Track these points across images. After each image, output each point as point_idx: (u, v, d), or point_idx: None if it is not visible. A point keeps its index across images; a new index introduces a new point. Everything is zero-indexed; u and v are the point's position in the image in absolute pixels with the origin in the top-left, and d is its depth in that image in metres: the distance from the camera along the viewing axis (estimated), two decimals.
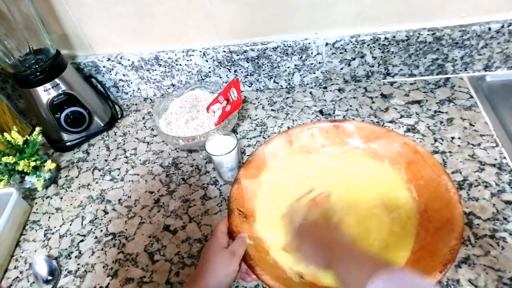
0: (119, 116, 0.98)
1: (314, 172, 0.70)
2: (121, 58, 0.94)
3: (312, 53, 0.87)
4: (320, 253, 0.52)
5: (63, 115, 0.85)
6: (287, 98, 0.93)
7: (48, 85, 0.82)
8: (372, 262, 0.44)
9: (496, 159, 0.70)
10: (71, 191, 0.82)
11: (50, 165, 0.79)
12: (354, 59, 0.88)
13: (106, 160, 0.88)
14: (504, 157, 0.70)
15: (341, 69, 0.91)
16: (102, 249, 0.70)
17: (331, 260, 0.49)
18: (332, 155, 0.72)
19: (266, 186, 0.69)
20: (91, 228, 0.74)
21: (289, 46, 0.86)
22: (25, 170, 0.76)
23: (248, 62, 0.91)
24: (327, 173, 0.69)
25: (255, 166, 0.70)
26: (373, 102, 0.87)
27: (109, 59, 0.94)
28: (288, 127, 0.86)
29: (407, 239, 0.58)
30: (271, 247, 0.61)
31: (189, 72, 0.95)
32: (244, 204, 0.65)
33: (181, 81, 0.98)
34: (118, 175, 0.84)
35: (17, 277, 0.69)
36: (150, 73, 0.97)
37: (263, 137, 0.85)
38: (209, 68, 0.94)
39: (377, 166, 0.69)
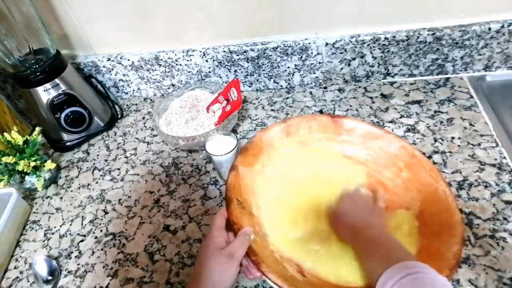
0: (119, 116, 0.98)
1: (309, 165, 0.69)
2: (121, 58, 0.94)
3: (312, 53, 0.87)
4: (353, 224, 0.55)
5: (63, 115, 0.85)
6: (287, 98, 0.93)
7: (48, 85, 0.82)
8: (396, 255, 0.46)
9: (496, 159, 0.70)
10: (71, 191, 0.82)
11: (50, 165, 0.79)
12: (354, 59, 0.88)
13: (106, 160, 0.88)
14: (504, 157, 0.70)
15: (341, 69, 0.91)
16: (102, 249, 0.70)
17: (359, 236, 0.52)
18: (327, 150, 0.71)
19: (263, 175, 0.67)
20: (91, 228, 0.74)
21: (289, 46, 0.86)
22: (25, 170, 0.76)
23: (248, 62, 0.91)
24: (321, 168, 0.69)
25: (252, 154, 0.67)
26: (373, 102, 0.87)
27: (109, 59, 0.94)
28: None
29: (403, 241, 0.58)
30: (272, 240, 0.59)
31: (189, 72, 0.95)
32: (242, 194, 0.62)
33: (181, 81, 0.98)
34: (118, 175, 0.84)
35: (17, 277, 0.69)
36: (150, 73, 0.97)
37: None
38: (209, 68, 0.94)
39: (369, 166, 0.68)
